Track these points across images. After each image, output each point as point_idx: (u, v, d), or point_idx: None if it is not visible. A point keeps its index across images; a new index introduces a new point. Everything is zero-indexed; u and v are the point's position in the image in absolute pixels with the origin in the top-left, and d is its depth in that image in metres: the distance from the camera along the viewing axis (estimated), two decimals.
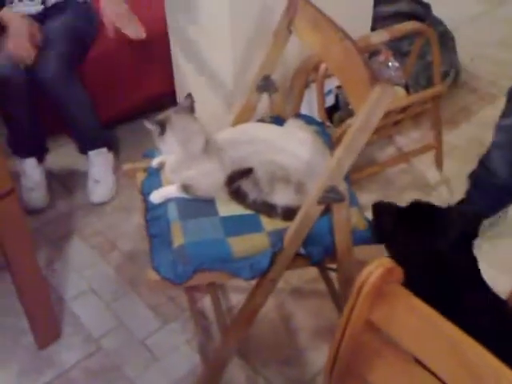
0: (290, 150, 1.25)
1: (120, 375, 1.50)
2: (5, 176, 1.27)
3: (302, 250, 1.19)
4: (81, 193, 2.01)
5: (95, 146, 1.97)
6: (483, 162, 1.73)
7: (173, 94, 2.15)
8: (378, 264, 0.68)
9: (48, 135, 2.02)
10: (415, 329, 0.66)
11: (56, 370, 1.51)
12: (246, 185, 1.25)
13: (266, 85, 1.41)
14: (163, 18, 1.95)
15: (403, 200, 1.94)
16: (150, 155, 1.44)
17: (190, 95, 1.32)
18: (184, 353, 1.54)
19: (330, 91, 1.99)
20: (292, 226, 1.15)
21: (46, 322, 1.56)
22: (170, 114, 1.29)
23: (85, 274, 1.75)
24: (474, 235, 1.28)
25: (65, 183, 2.06)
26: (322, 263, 1.26)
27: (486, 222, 1.75)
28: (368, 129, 1.04)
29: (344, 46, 1.17)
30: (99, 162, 1.97)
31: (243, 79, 1.79)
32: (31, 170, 1.94)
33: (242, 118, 1.44)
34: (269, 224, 1.23)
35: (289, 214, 1.22)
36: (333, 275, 1.51)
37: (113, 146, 2.07)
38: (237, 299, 1.64)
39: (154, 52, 2.07)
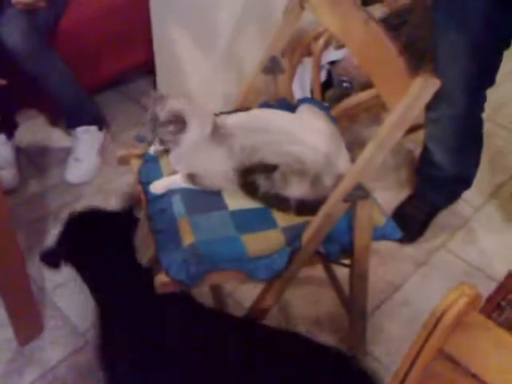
0: (307, 141, 1.17)
1: None
2: None
3: (320, 248, 1.13)
4: (54, 171, 1.86)
5: (83, 121, 1.84)
6: (425, 157, 1.72)
7: (151, 62, 2.01)
8: (461, 293, 0.63)
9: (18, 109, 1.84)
10: (501, 363, 0.62)
11: (40, 367, 1.41)
12: (258, 177, 1.16)
13: (272, 66, 1.31)
14: None
15: (393, 182, 1.94)
16: (142, 139, 1.32)
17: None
18: None
19: (321, 67, 1.90)
20: (313, 224, 1.09)
21: (28, 315, 1.45)
22: (178, 106, 1.16)
23: None
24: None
25: (36, 160, 1.90)
26: (338, 260, 1.20)
27: None
28: (405, 124, 0.97)
29: (369, 30, 1.09)
30: (85, 140, 1.83)
31: (233, 58, 1.67)
32: (1, 147, 1.77)
33: (247, 100, 1.35)
34: (282, 219, 1.16)
35: (303, 207, 1.15)
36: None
37: (103, 125, 1.91)
38: (230, 287, 1.58)
39: (133, 18, 1.91)
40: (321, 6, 1.20)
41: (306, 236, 1.09)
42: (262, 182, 1.15)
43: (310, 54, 1.75)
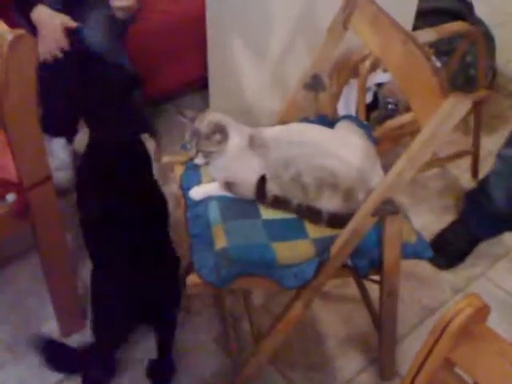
0: (341, 155, 1.20)
1: (144, 369, 1.46)
2: (44, 164, 1.24)
3: (348, 261, 1.15)
4: None
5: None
6: (482, 187, 1.69)
7: (204, 79, 2.09)
8: (467, 303, 0.64)
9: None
10: (505, 375, 0.62)
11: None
12: (290, 189, 1.20)
13: (314, 83, 1.36)
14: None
15: (436, 206, 1.93)
16: (187, 148, 1.39)
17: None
18: (210, 351, 1.51)
19: (368, 88, 1.93)
20: (341, 236, 1.11)
21: (72, 309, 1.53)
22: (217, 117, 1.23)
23: None
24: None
25: None
26: (367, 276, 1.22)
27: None
28: (435, 142, 0.98)
29: (408, 49, 1.12)
30: None
31: (281, 77, 1.73)
32: (60, 150, 1.90)
33: (288, 115, 1.39)
34: (313, 230, 1.18)
35: (335, 220, 1.18)
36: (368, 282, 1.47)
37: (154, 135, 2.02)
38: (263, 298, 1.62)
39: (190, 35, 2.00)
40: (362, 26, 1.24)
41: (334, 248, 1.11)
42: (294, 193, 1.19)
43: (356, 75, 1.78)
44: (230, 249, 1.13)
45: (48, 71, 1.63)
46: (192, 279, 1.13)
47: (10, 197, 1.24)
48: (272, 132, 1.27)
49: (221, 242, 1.15)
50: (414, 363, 0.69)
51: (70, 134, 1.93)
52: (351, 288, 1.60)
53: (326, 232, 1.17)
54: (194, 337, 1.53)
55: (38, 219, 1.30)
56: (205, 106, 2.18)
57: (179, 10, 2.02)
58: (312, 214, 1.19)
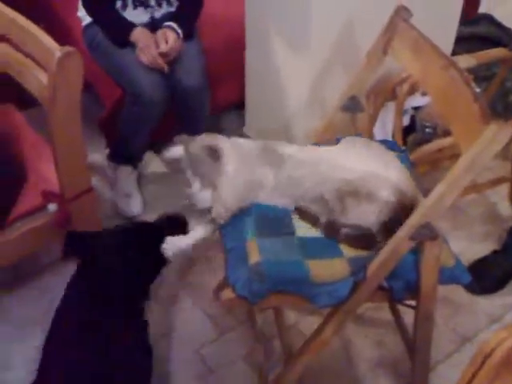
0: (348, 165, 1.21)
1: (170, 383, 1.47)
2: (85, 177, 1.28)
3: (384, 283, 1.14)
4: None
5: None
6: None
7: (241, 101, 2.14)
8: (508, 333, 0.63)
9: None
10: None
11: None
12: (315, 208, 1.21)
13: (352, 104, 1.37)
14: (242, 23, 1.93)
15: (474, 232, 1.90)
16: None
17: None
18: (240, 368, 1.51)
19: (405, 111, 1.92)
20: (378, 257, 1.10)
21: None
22: (208, 140, 1.24)
23: None
24: None
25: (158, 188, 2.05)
26: (402, 300, 1.20)
27: None
28: (476, 168, 0.98)
29: (448, 75, 1.12)
30: None
31: (317, 95, 1.75)
32: (127, 177, 1.96)
33: (324, 136, 1.40)
34: (348, 249, 1.18)
35: (356, 240, 1.18)
36: (402, 307, 1.45)
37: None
38: (295, 318, 1.61)
39: (229, 57, 2.04)
40: (402, 51, 1.25)
41: (370, 268, 1.11)
42: (319, 212, 1.20)
43: (394, 97, 1.78)
44: (263, 264, 1.13)
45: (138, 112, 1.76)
46: (226, 293, 1.14)
47: (52, 207, 1.29)
48: (292, 150, 1.27)
49: (254, 257, 1.15)
50: None
51: (136, 162, 2.00)
52: (384, 312, 1.58)
53: (361, 251, 1.17)
54: (224, 352, 1.54)
55: (78, 228, 1.34)
56: (240, 124, 2.22)
57: (221, 34, 2.07)
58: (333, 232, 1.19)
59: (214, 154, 1.21)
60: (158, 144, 2.15)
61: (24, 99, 1.48)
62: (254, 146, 1.26)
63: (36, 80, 1.21)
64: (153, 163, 2.15)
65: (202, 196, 1.25)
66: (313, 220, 1.22)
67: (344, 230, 1.18)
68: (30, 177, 1.34)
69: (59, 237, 1.34)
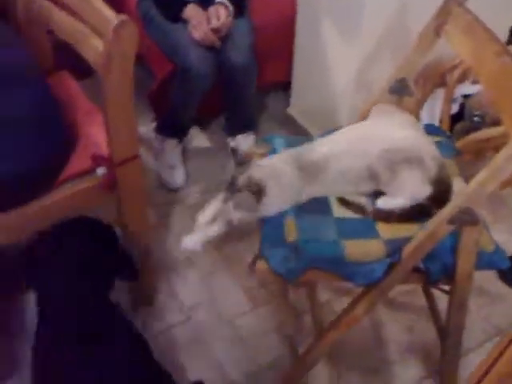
0: (395, 134, 1.21)
1: (205, 349, 1.52)
2: (134, 143, 1.32)
3: (420, 265, 1.15)
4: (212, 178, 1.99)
5: (246, 129, 2.06)
6: None
7: (287, 83, 2.14)
8: None
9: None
10: None
11: (145, 333, 1.54)
12: (365, 188, 1.22)
13: (400, 87, 1.36)
14: (293, 2, 1.93)
15: None
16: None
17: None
18: (271, 340, 1.54)
19: (454, 99, 1.89)
20: (415, 239, 1.11)
21: (144, 284, 1.61)
22: (258, 175, 1.21)
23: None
24: None
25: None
26: (438, 283, 1.21)
27: None
28: None
29: (502, 62, 1.10)
30: (246, 145, 2.02)
31: (365, 78, 1.74)
32: (172, 149, 2.02)
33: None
34: (385, 231, 1.19)
35: (405, 215, 1.18)
36: (436, 293, 1.45)
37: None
38: (328, 296, 1.63)
39: (277, 38, 2.05)
40: (455, 35, 1.23)
41: (406, 249, 1.11)
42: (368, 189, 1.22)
43: (443, 84, 1.76)
44: (300, 242, 1.15)
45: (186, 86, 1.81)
46: (260, 266, 1.16)
47: (100, 170, 1.33)
48: (321, 151, 1.24)
49: (292, 235, 1.18)
50: (476, 373, 0.69)
51: (182, 135, 2.05)
52: (417, 298, 1.58)
53: (398, 233, 1.17)
54: (257, 324, 1.58)
55: (124, 194, 1.38)
56: (285, 105, 2.23)
57: (272, 12, 2.07)
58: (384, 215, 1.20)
59: (258, 192, 1.19)
60: (204, 120, 2.21)
61: (79, 69, 1.54)
62: (289, 170, 1.22)
63: (92, 47, 1.25)
64: (197, 138, 2.20)
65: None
66: (360, 210, 1.22)
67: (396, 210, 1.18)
68: (81, 141, 1.39)
69: (104, 201, 1.40)
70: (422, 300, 1.53)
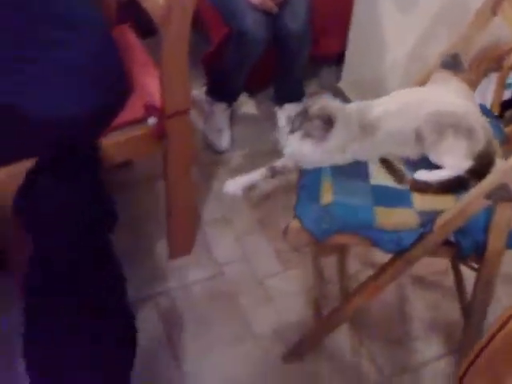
0: (450, 100, 1.21)
1: (234, 304, 1.58)
2: (187, 97, 1.37)
3: (451, 238, 1.16)
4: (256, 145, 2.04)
5: (295, 98, 2.07)
6: None
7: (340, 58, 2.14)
8: None
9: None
10: None
11: (179, 281, 1.64)
12: (409, 152, 1.23)
13: (453, 62, 1.36)
14: None
15: None
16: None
17: None
18: (297, 301, 1.59)
19: (508, 85, 1.86)
20: (449, 211, 1.12)
21: (183, 235, 1.69)
22: (330, 106, 1.24)
23: (224, 203, 1.84)
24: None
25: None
26: (467, 259, 1.22)
27: None
28: None
29: None
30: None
31: (418, 52, 1.74)
32: (221, 113, 2.06)
33: None
34: (420, 202, 1.19)
35: (443, 188, 1.19)
36: (466, 273, 1.46)
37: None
38: (356, 268, 1.66)
39: (334, 9, 2.05)
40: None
41: (439, 221, 1.13)
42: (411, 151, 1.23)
43: (498, 68, 1.73)
44: (334, 205, 1.17)
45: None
46: (294, 225, 1.20)
47: (152, 120, 1.39)
48: (378, 110, 1.25)
49: (327, 197, 1.20)
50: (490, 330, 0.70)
51: (230, 100, 2.09)
52: (445, 278, 1.59)
53: (433, 205, 1.17)
54: (285, 286, 1.63)
55: (171, 146, 1.44)
56: (337, 78, 2.24)
57: None
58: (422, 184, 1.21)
59: (328, 121, 1.22)
60: (253, 89, 2.25)
61: (141, 28, 1.61)
62: (354, 116, 1.25)
63: (153, 0, 1.31)
64: (246, 106, 2.24)
65: (291, 141, 1.27)
66: (399, 177, 1.23)
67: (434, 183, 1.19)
68: (136, 91, 1.45)
69: (153, 152, 1.46)
70: (450, 281, 1.54)
